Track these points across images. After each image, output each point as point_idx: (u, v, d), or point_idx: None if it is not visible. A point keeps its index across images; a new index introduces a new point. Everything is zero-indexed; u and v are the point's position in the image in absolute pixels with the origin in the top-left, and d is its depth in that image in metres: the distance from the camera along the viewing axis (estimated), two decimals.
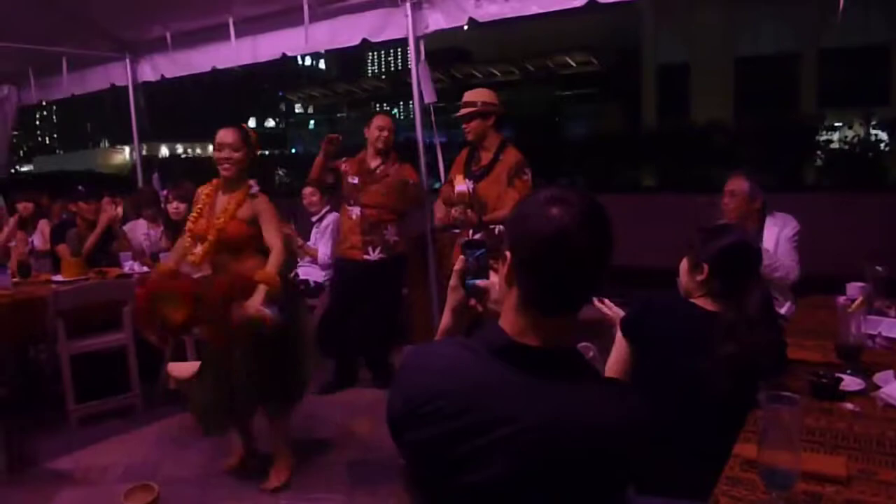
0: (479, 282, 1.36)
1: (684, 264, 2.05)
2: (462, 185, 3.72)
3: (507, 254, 1.14)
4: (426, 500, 1.18)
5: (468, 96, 3.93)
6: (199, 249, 3.04)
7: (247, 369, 3.00)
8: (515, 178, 3.70)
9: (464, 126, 3.87)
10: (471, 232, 3.72)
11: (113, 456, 3.55)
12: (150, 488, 2.68)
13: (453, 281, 1.38)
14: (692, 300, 1.99)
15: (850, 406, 1.82)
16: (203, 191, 3.17)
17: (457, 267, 1.38)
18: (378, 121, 4.32)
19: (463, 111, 3.86)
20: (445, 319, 1.41)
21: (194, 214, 3.11)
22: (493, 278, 1.33)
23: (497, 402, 1.07)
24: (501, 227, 3.69)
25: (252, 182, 3.11)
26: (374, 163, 4.28)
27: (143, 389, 4.11)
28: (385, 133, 4.25)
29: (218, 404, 3.08)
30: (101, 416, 3.96)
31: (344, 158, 4.38)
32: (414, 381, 1.18)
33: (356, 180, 4.26)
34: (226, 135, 3.02)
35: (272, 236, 2.99)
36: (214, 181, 3.16)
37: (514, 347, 1.11)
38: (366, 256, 4.22)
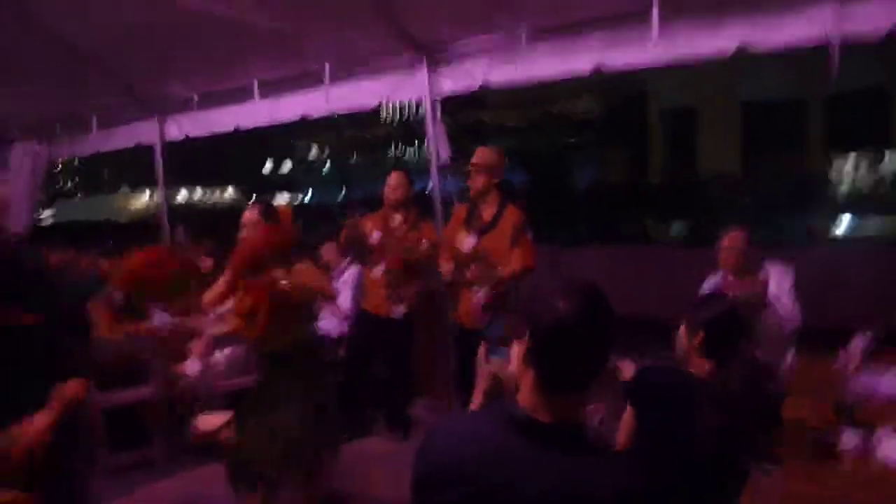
0: (497, 360, 1.52)
1: (682, 331, 2.18)
2: (468, 240, 3.87)
3: (525, 339, 1.30)
4: None
5: (480, 153, 4.07)
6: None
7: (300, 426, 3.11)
8: (520, 237, 3.85)
9: (468, 182, 4.02)
10: (479, 289, 3.85)
11: None
12: None
13: (483, 366, 1.54)
14: (690, 367, 2.12)
15: (846, 464, 1.91)
16: None
17: (481, 352, 1.54)
18: (390, 179, 4.50)
19: (470, 168, 4.00)
20: (477, 400, 1.57)
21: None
22: (514, 349, 1.48)
23: (509, 470, 1.22)
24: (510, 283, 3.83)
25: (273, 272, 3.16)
26: (395, 219, 4.44)
27: (166, 442, 4.21)
28: (398, 190, 4.42)
29: (257, 462, 3.15)
30: (126, 468, 4.06)
31: (367, 215, 4.56)
32: (438, 449, 1.33)
33: (377, 237, 4.42)
34: (247, 215, 3.20)
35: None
36: None
37: (527, 422, 1.26)
38: (392, 315, 4.34)
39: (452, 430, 1.36)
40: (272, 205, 3.39)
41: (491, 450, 1.25)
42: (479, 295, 3.85)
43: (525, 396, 1.29)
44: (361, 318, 4.58)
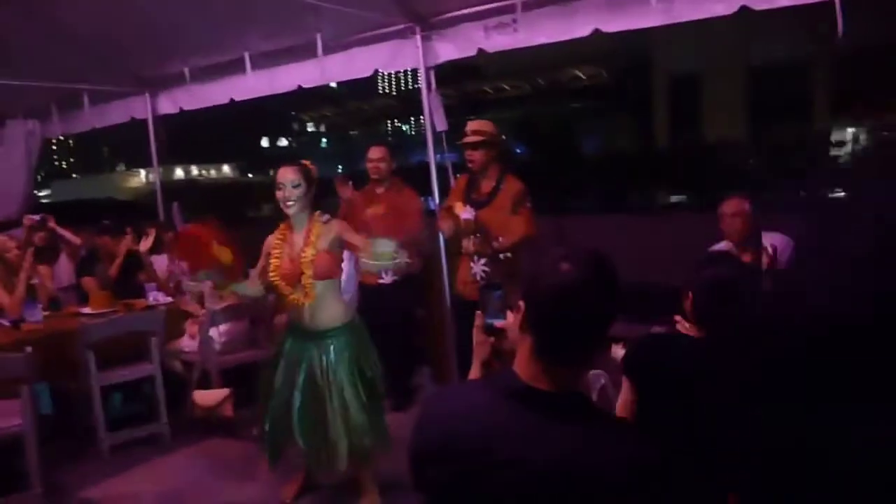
0: (496, 322, 1.47)
1: (684, 293, 2.08)
2: (466, 212, 3.82)
3: (521, 304, 1.25)
4: None
5: (475, 126, 4.00)
6: (300, 291, 3.07)
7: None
8: (519, 207, 3.81)
9: (468, 154, 3.94)
10: (479, 259, 3.82)
11: (143, 484, 3.67)
12: None
13: (479, 336, 1.49)
14: (688, 332, 2.05)
15: None
16: (274, 238, 3.18)
17: (478, 322, 1.49)
18: (371, 153, 4.46)
19: (470, 139, 3.93)
20: (474, 371, 1.51)
21: (274, 261, 3.12)
22: (510, 318, 1.43)
23: (510, 443, 1.17)
24: (509, 254, 3.80)
25: (318, 213, 3.12)
26: (378, 191, 4.43)
27: (170, 418, 4.22)
28: (380, 164, 4.39)
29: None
30: (130, 444, 4.07)
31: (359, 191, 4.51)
32: (435, 422, 1.29)
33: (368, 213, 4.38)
34: (285, 173, 3.03)
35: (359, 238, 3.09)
36: (282, 226, 3.19)
37: (526, 391, 1.21)
38: (380, 281, 4.32)
39: (450, 401, 1.31)
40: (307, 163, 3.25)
41: (490, 421, 1.20)
42: (478, 267, 3.83)
43: (522, 365, 1.24)
44: (361, 290, 4.56)
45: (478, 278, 3.84)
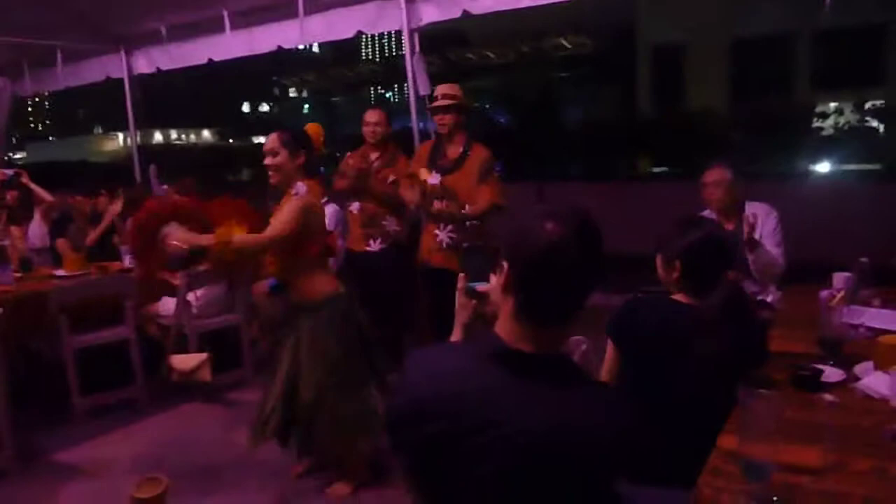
0: (478, 286, 1.44)
1: (659, 261, 2.06)
2: (433, 178, 3.76)
3: (505, 264, 1.21)
4: (425, 499, 1.26)
5: (446, 89, 3.89)
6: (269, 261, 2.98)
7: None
8: (487, 175, 3.74)
9: (437, 118, 3.84)
10: (444, 226, 3.77)
11: (119, 448, 3.63)
12: (159, 481, 2.75)
13: (461, 298, 1.45)
14: (673, 297, 2.03)
15: (829, 397, 1.90)
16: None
17: (460, 285, 1.45)
18: (367, 116, 4.34)
19: (441, 102, 3.82)
20: (456, 335, 1.48)
21: None
22: (493, 281, 1.40)
23: (491, 405, 1.14)
24: (475, 222, 3.75)
25: (299, 184, 2.91)
26: (372, 156, 4.33)
27: (146, 382, 4.17)
28: (377, 128, 4.28)
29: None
30: (105, 409, 4.03)
31: (349, 153, 4.43)
32: (415, 384, 1.26)
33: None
34: (266, 141, 2.92)
35: (272, 226, 2.84)
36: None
37: (508, 353, 1.18)
38: (367, 248, 4.27)
39: (429, 363, 1.28)
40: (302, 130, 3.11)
41: (470, 383, 1.18)
42: (442, 234, 3.78)
43: (505, 327, 1.21)
44: (348, 257, 4.50)
45: (443, 245, 3.79)
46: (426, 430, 1.19)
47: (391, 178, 4.16)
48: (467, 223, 3.72)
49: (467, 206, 3.71)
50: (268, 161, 2.91)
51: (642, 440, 1.18)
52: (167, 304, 4.34)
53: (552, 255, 1.14)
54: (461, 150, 3.81)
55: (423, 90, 4.61)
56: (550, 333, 1.19)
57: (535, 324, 1.18)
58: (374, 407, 2.95)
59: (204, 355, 3.95)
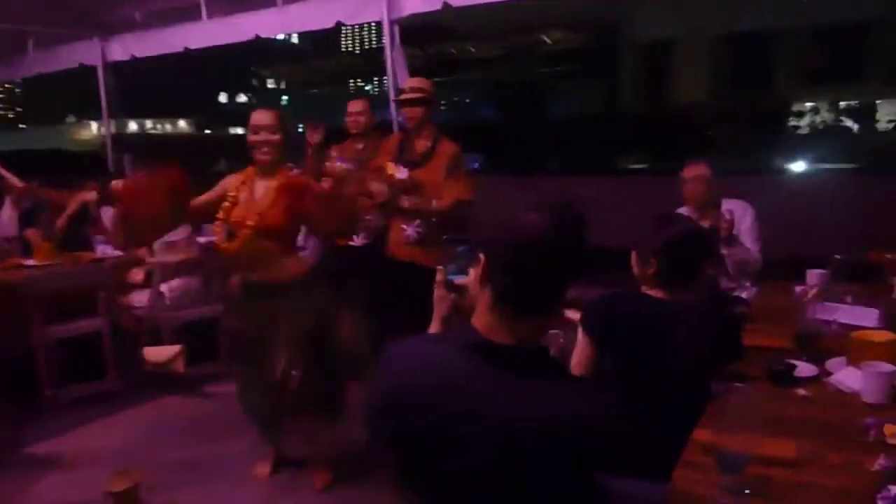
0: (456, 279, 1.43)
1: (634, 257, 2.07)
2: (400, 172, 3.73)
3: (482, 256, 1.21)
4: (407, 490, 1.25)
5: (414, 83, 3.85)
6: (235, 239, 2.89)
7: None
8: (455, 170, 3.69)
9: (406, 111, 3.78)
10: (412, 220, 3.75)
11: (94, 441, 3.57)
12: (131, 475, 2.72)
13: (440, 291, 1.45)
14: (648, 291, 2.04)
15: (802, 392, 1.93)
16: (233, 181, 2.98)
17: (439, 278, 1.44)
18: (351, 106, 4.31)
19: (410, 96, 3.75)
20: (435, 327, 1.47)
21: (227, 204, 2.92)
22: (472, 275, 1.39)
23: (467, 397, 1.14)
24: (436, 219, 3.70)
25: (290, 166, 2.94)
26: (357, 147, 4.29)
27: (122, 374, 4.11)
28: (360, 117, 4.25)
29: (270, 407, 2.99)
30: (79, 401, 3.96)
31: (333, 145, 4.38)
32: (391, 376, 1.25)
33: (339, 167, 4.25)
34: (263, 117, 2.85)
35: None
36: (248, 170, 2.98)
37: (484, 345, 1.18)
38: (351, 243, 4.23)
39: (406, 354, 1.27)
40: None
41: (445, 374, 1.17)
42: (410, 229, 3.75)
43: (481, 319, 1.21)
44: (329, 253, 4.46)
45: (410, 240, 3.77)
46: (402, 422, 1.19)
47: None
48: (433, 218, 3.69)
49: (434, 202, 3.68)
50: (262, 137, 2.85)
51: (620, 433, 1.17)
52: (140, 295, 4.28)
53: (531, 244, 1.14)
54: (429, 144, 3.76)
55: (403, 82, 4.58)
56: (527, 325, 1.19)
57: (512, 314, 1.17)
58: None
59: (177, 347, 3.91)
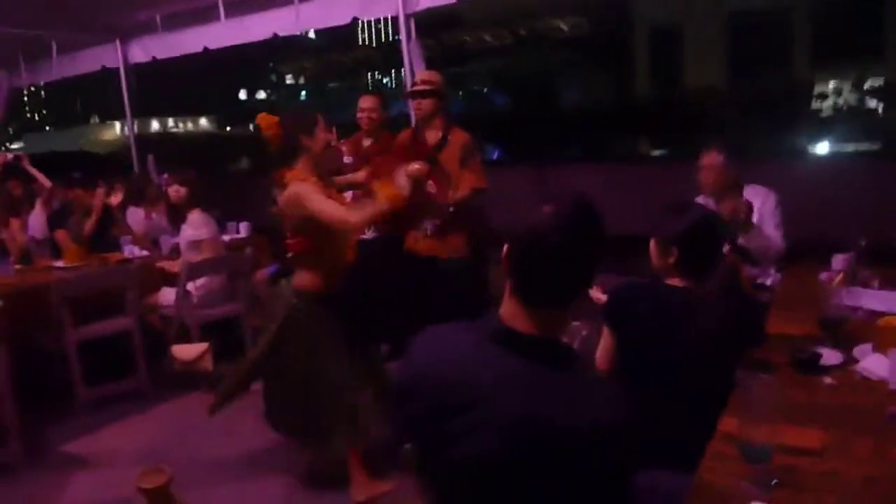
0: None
1: (653, 247, 2.06)
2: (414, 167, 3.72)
3: (505, 246, 1.23)
4: (422, 479, 1.28)
5: (424, 75, 3.89)
6: None
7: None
8: (469, 159, 3.70)
9: (415, 104, 3.81)
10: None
11: (123, 440, 3.65)
12: (163, 471, 2.76)
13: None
14: (668, 281, 2.03)
15: (828, 380, 1.91)
16: None
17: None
18: (362, 102, 4.29)
19: (420, 87, 3.78)
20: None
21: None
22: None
23: (484, 380, 1.16)
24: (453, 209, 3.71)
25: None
26: (366, 143, 4.31)
27: (150, 373, 4.18)
28: (373, 114, 4.24)
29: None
30: (109, 400, 4.03)
31: (342, 140, 4.40)
32: (412, 364, 1.29)
33: (350, 161, 4.28)
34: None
35: None
36: None
37: (504, 331, 1.20)
38: (362, 236, 4.25)
39: (433, 341, 1.30)
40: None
41: (466, 360, 1.20)
42: (427, 222, 3.75)
43: (505, 307, 1.23)
44: None
45: (428, 233, 3.77)
46: (416, 409, 1.23)
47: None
48: (450, 208, 3.70)
49: (450, 192, 3.68)
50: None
51: (631, 436, 1.17)
52: (167, 295, 4.34)
53: (545, 236, 1.16)
54: (441, 134, 3.78)
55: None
56: (547, 315, 1.20)
57: (530, 304, 1.19)
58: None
59: (205, 345, 3.96)
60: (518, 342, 1.18)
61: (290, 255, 2.92)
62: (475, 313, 1.30)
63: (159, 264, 4.52)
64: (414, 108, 3.82)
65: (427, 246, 3.79)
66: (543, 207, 1.18)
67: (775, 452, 1.41)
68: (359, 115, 4.26)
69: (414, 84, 3.84)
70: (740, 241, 3.17)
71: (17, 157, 5.55)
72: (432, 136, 3.79)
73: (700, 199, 3.36)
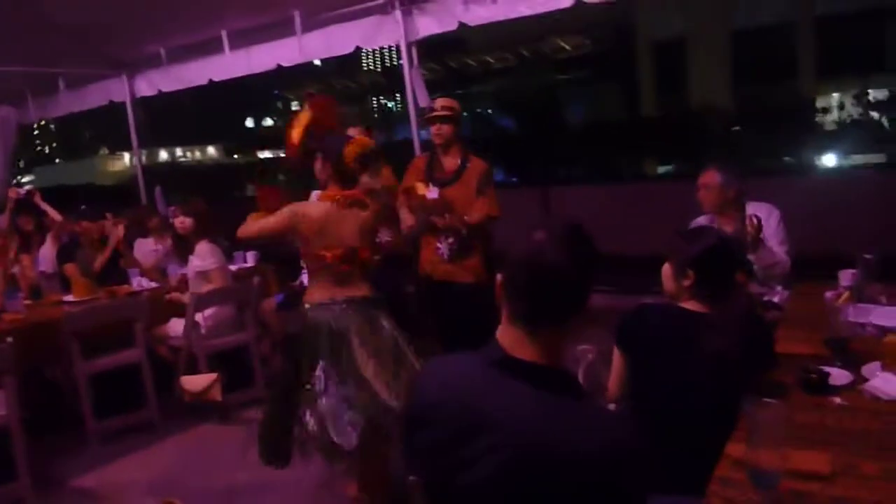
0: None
1: (667, 270, 2.08)
2: (431, 192, 3.77)
3: (500, 273, 1.26)
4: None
5: (444, 102, 3.93)
6: None
7: None
8: (486, 187, 3.77)
9: (435, 129, 3.86)
10: (445, 237, 3.78)
11: (135, 472, 3.64)
12: (174, 503, 2.77)
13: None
14: (681, 304, 2.04)
15: (837, 400, 1.90)
16: None
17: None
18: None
19: (440, 113, 3.84)
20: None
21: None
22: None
23: (491, 408, 1.17)
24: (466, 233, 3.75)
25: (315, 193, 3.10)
26: None
27: (160, 404, 4.18)
28: None
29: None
30: (119, 432, 4.04)
31: None
32: (418, 392, 1.32)
33: None
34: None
35: None
36: None
37: (506, 360, 1.21)
38: None
39: (438, 370, 1.33)
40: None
41: (470, 389, 1.21)
42: (443, 246, 3.79)
43: (502, 334, 1.25)
44: None
45: (445, 257, 3.80)
46: (427, 434, 1.24)
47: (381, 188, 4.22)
48: (464, 231, 3.73)
49: (465, 217, 3.73)
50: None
51: (640, 462, 1.17)
52: (176, 326, 4.36)
53: (539, 257, 1.19)
54: (458, 162, 3.83)
55: (422, 101, 4.65)
56: (548, 336, 1.21)
57: (530, 326, 1.21)
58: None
59: (213, 375, 3.97)
60: (522, 370, 1.19)
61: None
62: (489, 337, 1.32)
63: (170, 296, 4.55)
64: (434, 133, 3.87)
65: (444, 270, 3.83)
66: (535, 234, 1.21)
67: (783, 477, 1.40)
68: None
69: (433, 110, 3.90)
70: (749, 257, 3.16)
71: (29, 193, 5.63)
72: (450, 162, 3.86)
73: (704, 219, 3.36)
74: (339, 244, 2.91)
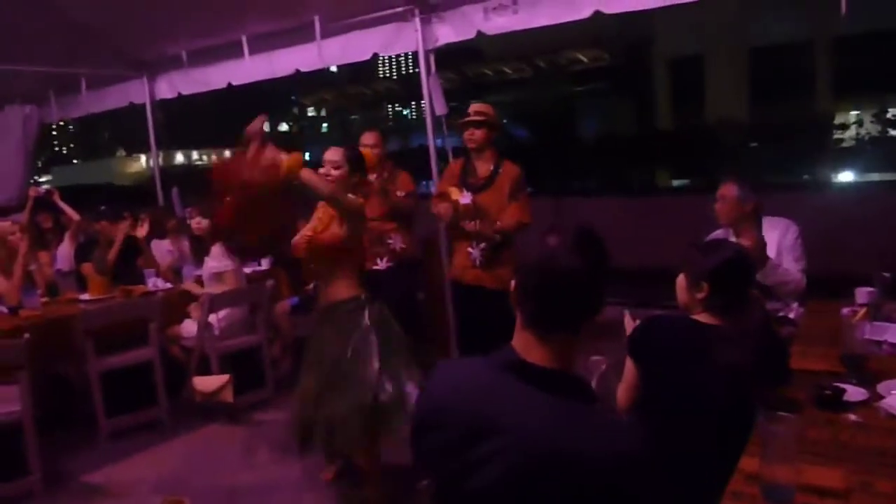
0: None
1: (681, 282, 2.08)
2: (465, 197, 3.80)
3: (514, 280, 1.27)
4: None
5: (478, 107, 3.97)
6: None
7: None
8: (519, 193, 3.80)
9: (468, 134, 3.89)
10: (478, 243, 3.80)
11: (144, 469, 3.66)
12: (183, 501, 2.78)
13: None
14: (694, 316, 2.04)
15: (853, 417, 1.88)
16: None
17: None
18: (364, 139, 4.32)
19: (474, 118, 3.87)
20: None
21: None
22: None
23: (503, 411, 1.17)
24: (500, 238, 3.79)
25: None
26: (370, 177, 4.37)
27: (170, 403, 4.21)
28: (375, 149, 4.28)
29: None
30: (130, 430, 4.06)
31: None
32: (433, 394, 1.32)
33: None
34: (332, 153, 3.05)
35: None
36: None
37: (519, 363, 1.22)
38: (375, 267, 4.30)
39: (450, 374, 1.33)
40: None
41: (485, 392, 1.22)
42: (475, 252, 3.81)
43: (516, 339, 1.26)
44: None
45: (477, 262, 3.83)
46: (438, 437, 1.24)
47: (400, 193, 4.31)
48: (497, 236, 3.76)
49: (497, 223, 3.76)
50: (325, 170, 3.02)
51: (650, 468, 1.17)
52: (189, 327, 4.39)
53: (552, 263, 1.22)
54: (492, 167, 3.86)
55: (439, 110, 4.66)
56: (560, 342, 1.22)
57: (544, 332, 1.22)
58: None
59: (225, 377, 3.99)
60: (534, 374, 1.20)
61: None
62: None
63: (185, 285, 4.61)
64: (466, 138, 3.90)
65: (475, 276, 3.85)
66: (548, 239, 1.24)
67: (797, 492, 1.39)
68: (361, 150, 4.33)
69: (466, 115, 3.92)
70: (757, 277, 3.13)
71: (48, 192, 5.71)
72: (483, 167, 3.89)
73: (720, 233, 3.34)
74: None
